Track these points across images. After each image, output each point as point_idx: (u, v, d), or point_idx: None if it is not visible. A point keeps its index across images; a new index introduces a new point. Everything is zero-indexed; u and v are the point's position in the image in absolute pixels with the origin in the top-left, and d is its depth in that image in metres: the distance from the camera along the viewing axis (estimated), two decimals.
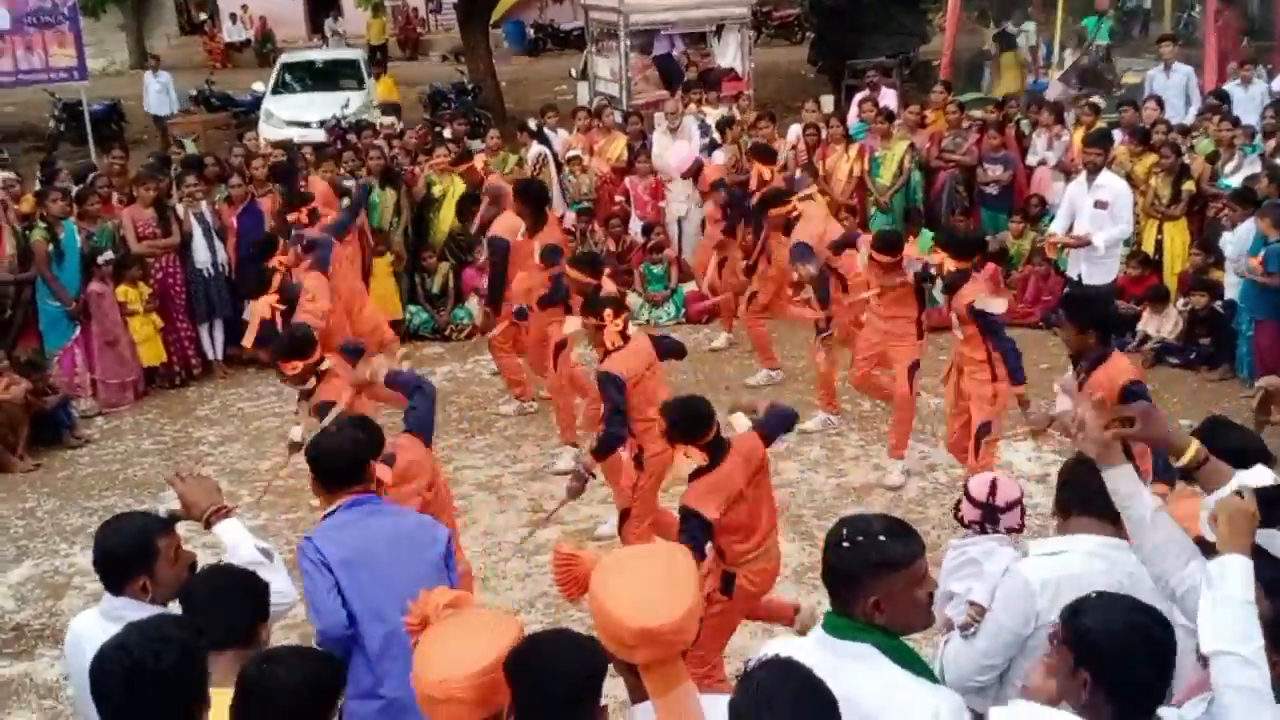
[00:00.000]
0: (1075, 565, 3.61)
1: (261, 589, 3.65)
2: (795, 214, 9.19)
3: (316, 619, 4.25)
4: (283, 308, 8.10)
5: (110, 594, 3.72)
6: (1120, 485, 3.29)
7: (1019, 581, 3.67)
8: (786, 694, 2.59)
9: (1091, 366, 5.93)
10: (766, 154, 10.95)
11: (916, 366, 8.38)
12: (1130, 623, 2.85)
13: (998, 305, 7.42)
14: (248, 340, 8.64)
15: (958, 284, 7.51)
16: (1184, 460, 3.37)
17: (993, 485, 4.35)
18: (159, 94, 21.62)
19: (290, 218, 10.03)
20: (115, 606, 3.67)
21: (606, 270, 8.62)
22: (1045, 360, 9.94)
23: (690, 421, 5.44)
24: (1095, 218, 9.40)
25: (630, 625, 2.92)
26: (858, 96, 14.98)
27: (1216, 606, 2.83)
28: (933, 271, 7.78)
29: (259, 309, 7.99)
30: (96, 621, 3.70)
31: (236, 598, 3.58)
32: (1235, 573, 2.85)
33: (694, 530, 5.34)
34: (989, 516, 4.32)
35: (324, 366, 6.87)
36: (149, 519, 3.88)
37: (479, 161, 10.96)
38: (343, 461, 4.58)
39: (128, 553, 3.69)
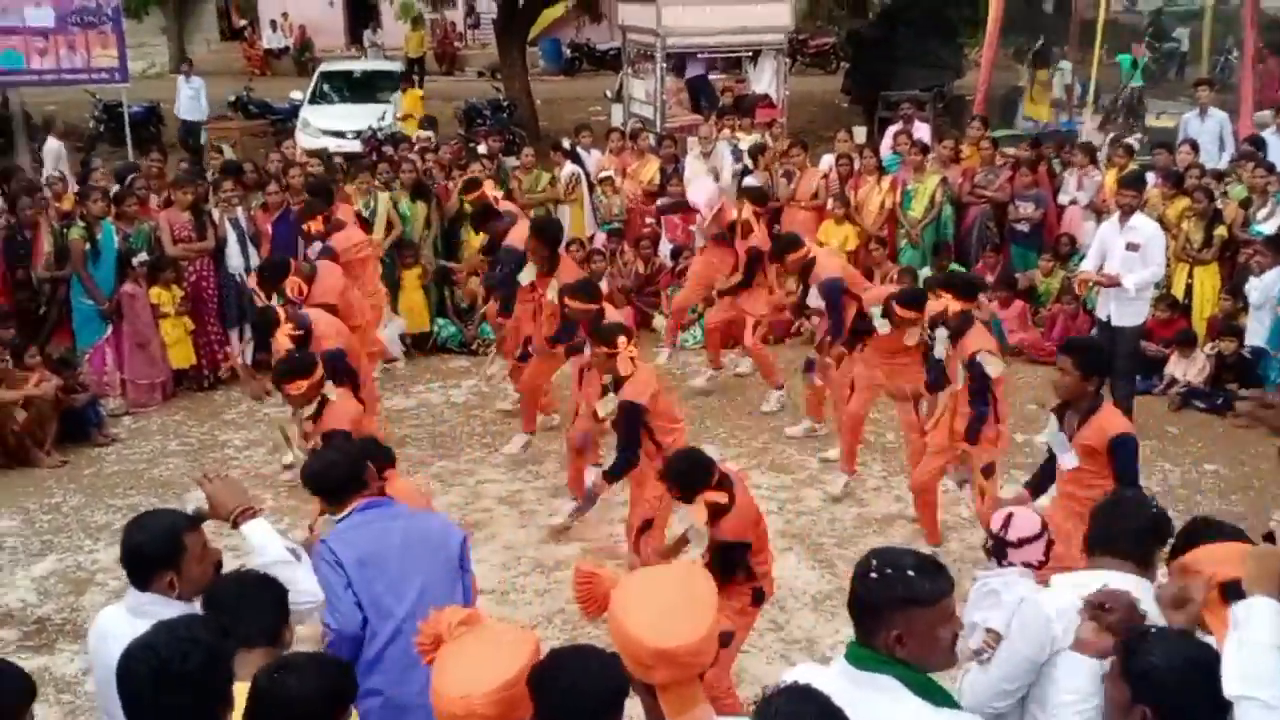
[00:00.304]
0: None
1: (283, 592, 3.71)
2: (811, 257, 9.20)
3: (332, 617, 4.30)
4: (300, 333, 8.06)
5: (136, 589, 3.76)
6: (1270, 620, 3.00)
7: (1035, 609, 3.71)
8: (805, 717, 2.61)
9: (1085, 416, 5.94)
10: (757, 195, 10.99)
11: (920, 396, 8.37)
12: (1191, 659, 2.88)
13: (995, 368, 7.35)
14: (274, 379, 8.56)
15: (963, 329, 7.44)
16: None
17: (1007, 519, 4.37)
18: (191, 99, 21.43)
19: (305, 226, 10.04)
20: (142, 602, 3.72)
21: (607, 295, 8.81)
22: None
23: (697, 473, 5.46)
24: (1127, 260, 9.38)
25: (649, 646, 2.93)
26: (891, 129, 15.01)
27: (1241, 649, 2.83)
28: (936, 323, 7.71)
29: (278, 346, 7.97)
30: (122, 616, 3.75)
31: (262, 599, 3.65)
32: (1261, 615, 2.85)
33: (744, 560, 5.50)
34: (998, 550, 4.35)
35: (330, 395, 7.00)
36: (177, 516, 3.92)
37: (489, 186, 10.95)
38: (336, 474, 4.68)
39: (156, 549, 3.74)
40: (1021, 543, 4.28)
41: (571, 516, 8.06)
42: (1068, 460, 6.10)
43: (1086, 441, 5.93)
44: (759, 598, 5.73)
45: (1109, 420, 5.97)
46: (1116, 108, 15.82)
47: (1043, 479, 6.55)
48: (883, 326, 8.16)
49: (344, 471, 4.68)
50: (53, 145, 16.24)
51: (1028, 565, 4.25)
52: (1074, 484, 6.05)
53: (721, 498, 5.44)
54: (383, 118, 19.53)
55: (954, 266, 11.98)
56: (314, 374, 6.95)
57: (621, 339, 7.11)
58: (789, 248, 9.26)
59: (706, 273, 10.92)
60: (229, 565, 3.96)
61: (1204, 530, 3.73)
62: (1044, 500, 6.49)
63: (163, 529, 3.79)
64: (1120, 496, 4.24)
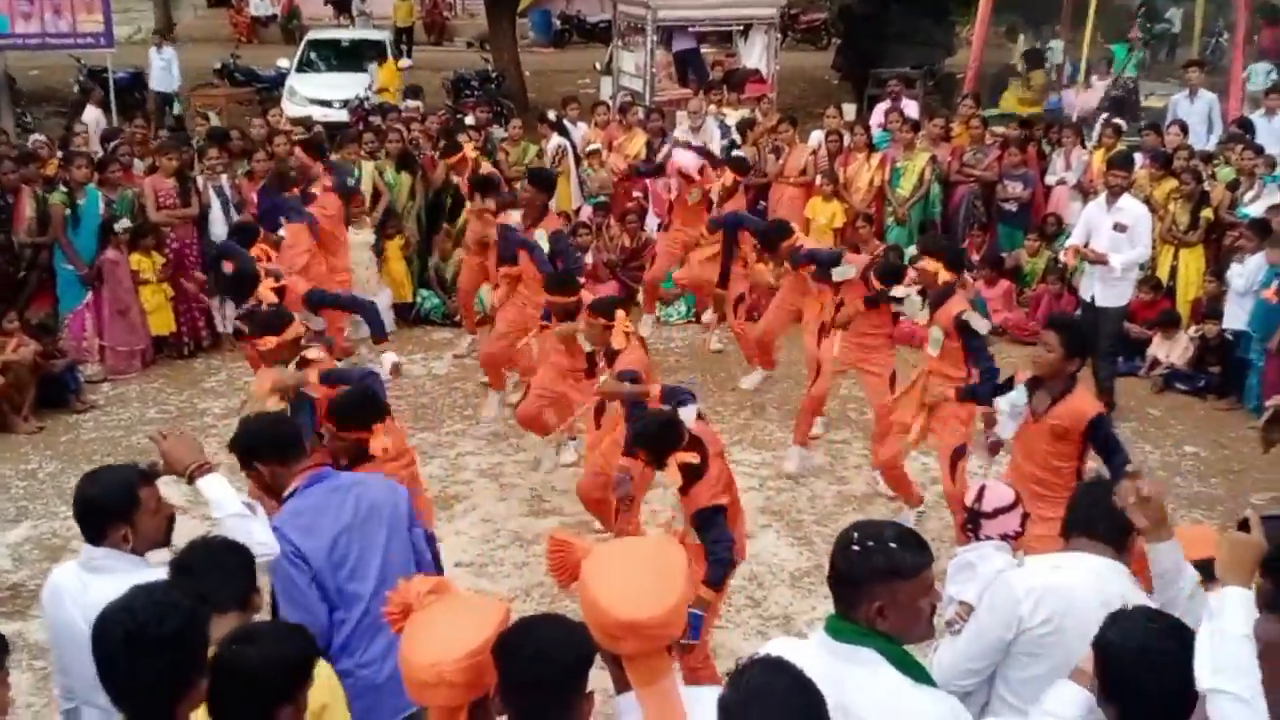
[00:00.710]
0: (1065, 578, 3.64)
1: (250, 558, 3.74)
2: (800, 244, 9.13)
3: (295, 613, 4.17)
4: (280, 285, 7.99)
5: (90, 544, 3.75)
6: (1166, 560, 3.40)
7: (1004, 586, 3.71)
8: (776, 692, 2.60)
9: (1058, 396, 5.88)
10: (738, 164, 11.07)
11: (894, 377, 8.35)
12: (1148, 635, 2.90)
13: (983, 324, 7.33)
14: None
15: (945, 297, 7.42)
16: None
17: (980, 491, 4.37)
18: (163, 70, 20.80)
19: (285, 194, 10.05)
20: (94, 556, 3.72)
21: (585, 281, 8.85)
22: None
23: (667, 436, 5.50)
24: (1114, 240, 9.38)
25: (616, 616, 2.92)
26: (880, 105, 14.97)
27: (1214, 640, 2.81)
28: (914, 290, 7.69)
29: (263, 296, 7.88)
30: (74, 571, 3.77)
31: (230, 564, 3.65)
32: (1234, 606, 2.83)
33: (722, 524, 5.49)
34: (972, 521, 4.35)
35: (310, 355, 6.63)
36: (130, 470, 3.93)
37: (471, 151, 10.90)
38: (262, 440, 4.56)
39: (110, 501, 3.74)
40: (996, 513, 4.28)
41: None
42: (1007, 430, 6.09)
43: (1059, 421, 5.86)
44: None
45: (1084, 402, 5.92)
46: (1108, 98, 15.74)
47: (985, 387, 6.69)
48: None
49: (269, 440, 4.56)
50: (92, 113, 16.08)
51: (1004, 537, 4.25)
52: (1034, 464, 5.97)
53: (693, 458, 5.45)
54: (369, 86, 19.41)
55: None
56: (284, 330, 6.59)
57: (620, 311, 7.07)
58: (779, 235, 8.92)
59: (673, 249, 10.96)
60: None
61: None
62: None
63: (117, 482, 3.80)
64: (1100, 480, 4.25)
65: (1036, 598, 3.58)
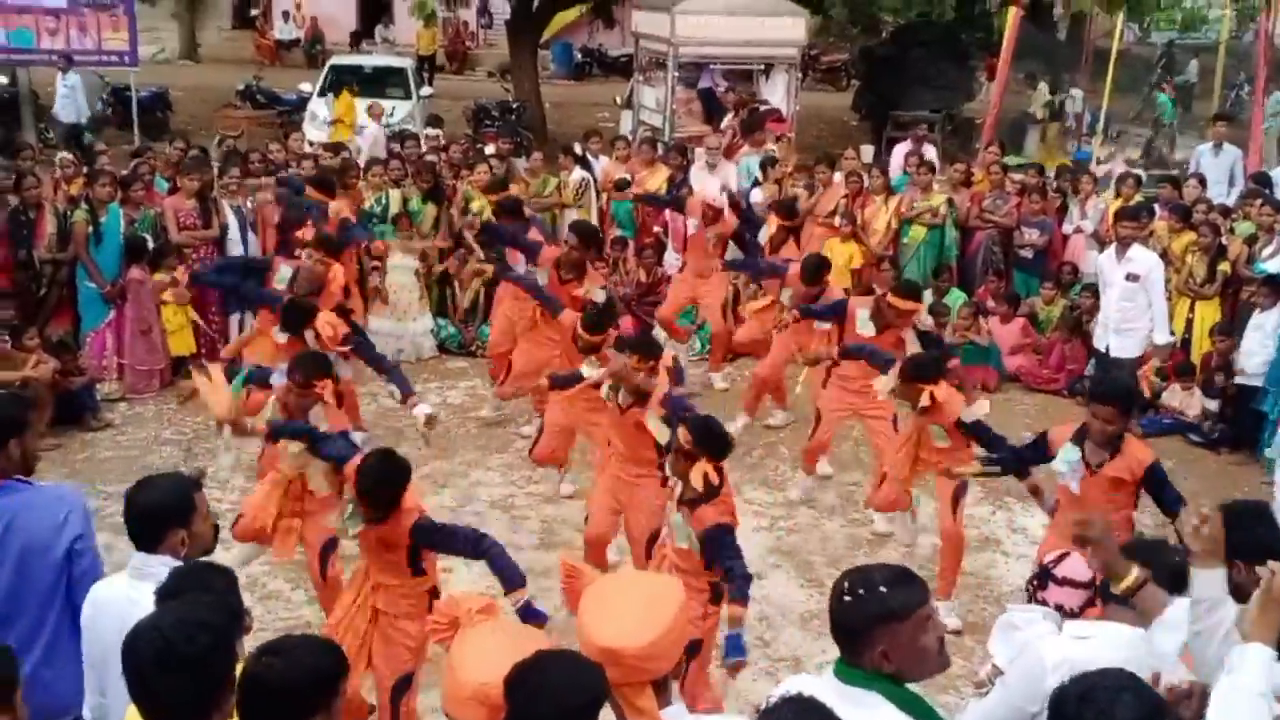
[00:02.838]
0: (1096, 651, 3.48)
1: (234, 578, 3.72)
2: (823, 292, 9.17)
3: None
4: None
5: (144, 552, 3.79)
6: (1209, 590, 3.29)
7: (1034, 658, 3.64)
8: None
9: (1114, 450, 5.92)
10: (787, 210, 11.24)
11: (895, 420, 8.37)
12: (1101, 688, 2.76)
13: (981, 408, 7.28)
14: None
15: (926, 374, 7.24)
16: (1122, 586, 3.46)
17: (1062, 555, 4.24)
18: (66, 98, 18.79)
19: (297, 234, 9.86)
20: (147, 563, 3.76)
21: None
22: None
23: (720, 442, 5.73)
24: (1126, 290, 9.40)
25: (595, 641, 2.97)
26: (899, 148, 15.00)
27: (1229, 694, 2.80)
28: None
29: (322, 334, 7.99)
30: (120, 581, 3.81)
31: (219, 583, 3.61)
32: (1254, 662, 2.82)
33: (734, 543, 5.56)
34: (1040, 578, 4.26)
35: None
36: (181, 477, 4.05)
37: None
38: None
39: (170, 506, 3.82)
40: (1064, 582, 4.17)
41: None
42: (1073, 486, 6.09)
43: (1117, 474, 5.93)
44: (717, 595, 5.73)
45: (1140, 450, 6.02)
46: (1154, 146, 15.85)
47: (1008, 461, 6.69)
48: (866, 328, 8.26)
49: None
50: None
51: (1059, 607, 4.16)
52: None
53: (716, 477, 5.63)
54: (391, 114, 19.50)
55: (955, 290, 11.97)
56: (331, 373, 6.59)
57: (668, 351, 7.06)
58: (822, 270, 9.25)
59: (686, 291, 11.10)
60: None
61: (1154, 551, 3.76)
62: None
63: (173, 487, 3.90)
64: (1143, 544, 4.14)
65: (1066, 671, 3.44)
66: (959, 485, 7.34)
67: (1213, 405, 10.54)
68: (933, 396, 7.06)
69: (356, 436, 6.99)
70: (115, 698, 3.67)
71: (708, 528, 5.53)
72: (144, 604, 3.39)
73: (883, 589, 3.02)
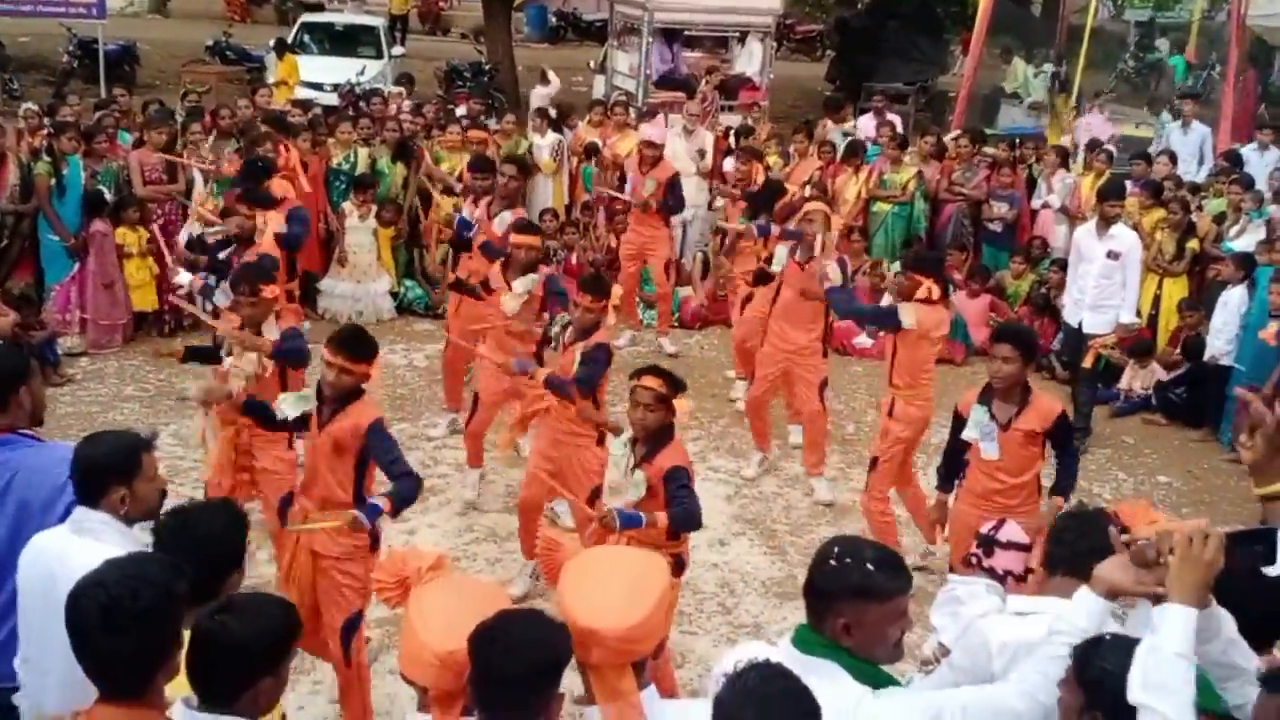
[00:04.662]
0: (1039, 631, 3.30)
1: (240, 515, 3.78)
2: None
3: None
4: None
5: (86, 507, 3.71)
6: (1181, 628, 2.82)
7: (978, 640, 3.57)
8: (772, 694, 2.63)
9: (1022, 403, 6.03)
10: (756, 154, 11.31)
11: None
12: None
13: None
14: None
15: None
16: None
17: (1001, 522, 4.30)
18: None
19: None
20: (87, 518, 3.68)
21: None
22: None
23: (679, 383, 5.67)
24: (1106, 268, 9.40)
25: (577, 621, 2.92)
26: (864, 119, 14.99)
27: (1149, 654, 2.74)
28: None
29: (271, 222, 7.97)
30: (59, 533, 3.71)
31: (219, 525, 3.66)
32: (1173, 624, 2.75)
33: (691, 487, 5.47)
34: (984, 545, 4.27)
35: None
36: (132, 434, 3.94)
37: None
38: None
39: (113, 461, 3.72)
40: (1009, 546, 4.21)
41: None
42: (991, 450, 6.12)
43: (1029, 427, 6.00)
44: (680, 566, 5.71)
45: (1049, 401, 6.13)
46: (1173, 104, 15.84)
47: (950, 473, 6.62)
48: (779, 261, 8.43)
49: None
50: None
51: (1007, 572, 4.17)
52: (993, 478, 6.12)
53: (685, 408, 5.65)
54: (361, 72, 19.31)
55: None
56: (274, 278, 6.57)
57: (616, 289, 6.93)
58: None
59: (637, 254, 11.11)
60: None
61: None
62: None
63: (121, 443, 3.82)
64: (1084, 513, 4.06)
65: (1010, 654, 3.41)
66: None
67: (1164, 375, 10.63)
68: (929, 292, 7.09)
69: (304, 326, 7.16)
70: (38, 648, 3.64)
71: (671, 468, 5.46)
72: (75, 558, 3.33)
73: (869, 565, 3.01)
